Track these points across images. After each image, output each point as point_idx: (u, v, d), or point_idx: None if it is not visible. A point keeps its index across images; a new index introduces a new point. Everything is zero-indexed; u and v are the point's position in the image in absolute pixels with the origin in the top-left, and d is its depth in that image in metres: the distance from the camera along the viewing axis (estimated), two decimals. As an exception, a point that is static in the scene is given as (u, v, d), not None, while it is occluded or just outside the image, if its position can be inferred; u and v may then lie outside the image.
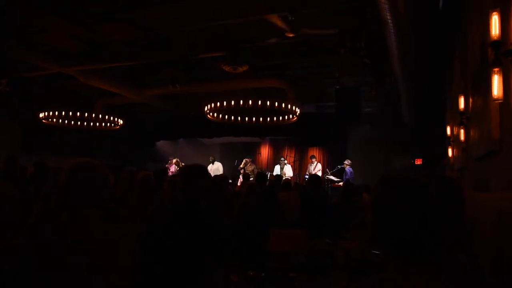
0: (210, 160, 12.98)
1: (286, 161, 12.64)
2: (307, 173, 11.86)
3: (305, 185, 8.55)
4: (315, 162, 12.06)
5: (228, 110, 9.66)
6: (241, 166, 12.32)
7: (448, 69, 7.18)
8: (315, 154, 12.99)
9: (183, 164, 12.84)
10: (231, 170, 13.06)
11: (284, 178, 8.80)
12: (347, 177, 10.77)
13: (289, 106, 9.02)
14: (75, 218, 1.62)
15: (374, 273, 1.22)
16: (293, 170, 12.74)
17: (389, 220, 1.22)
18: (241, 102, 8.74)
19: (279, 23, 6.22)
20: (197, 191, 2.42)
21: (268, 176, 10.29)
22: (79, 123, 10.57)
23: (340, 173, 11.44)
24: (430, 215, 1.19)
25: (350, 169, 11.01)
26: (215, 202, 2.52)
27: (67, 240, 1.57)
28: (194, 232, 2.32)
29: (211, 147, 15.30)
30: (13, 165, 5.83)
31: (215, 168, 12.60)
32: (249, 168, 12.05)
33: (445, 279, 1.13)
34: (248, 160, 12.55)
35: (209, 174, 2.73)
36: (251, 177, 9.46)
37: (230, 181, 9.06)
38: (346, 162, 11.19)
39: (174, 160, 12.84)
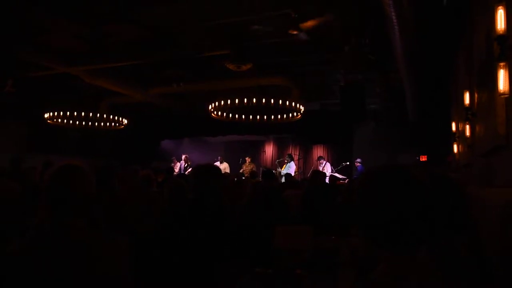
0: (219, 160, 13.00)
1: (287, 160, 12.16)
2: None
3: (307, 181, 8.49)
4: (324, 162, 11.88)
5: (232, 109, 9.66)
6: (243, 168, 12.40)
7: (453, 64, 7.14)
8: (319, 152, 12.89)
9: (190, 161, 12.95)
10: (236, 169, 13.09)
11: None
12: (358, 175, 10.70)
13: (293, 104, 9.00)
14: (59, 226, 1.55)
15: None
16: (297, 168, 12.63)
17: (369, 212, 1.13)
18: (245, 100, 8.73)
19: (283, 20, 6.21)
20: (208, 190, 2.45)
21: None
22: (83, 123, 10.62)
23: (345, 171, 11.41)
24: (410, 205, 1.09)
25: (362, 167, 10.96)
26: (224, 200, 2.54)
27: (51, 248, 1.51)
28: (201, 229, 2.33)
29: (215, 145, 15.32)
30: (18, 165, 5.88)
31: (223, 168, 12.62)
32: (247, 168, 12.03)
33: (440, 278, 1.05)
34: (248, 159, 12.64)
35: (222, 174, 2.77)
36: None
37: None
38: (358, 160, 11.14)
39: (183, 157, 12.95)
